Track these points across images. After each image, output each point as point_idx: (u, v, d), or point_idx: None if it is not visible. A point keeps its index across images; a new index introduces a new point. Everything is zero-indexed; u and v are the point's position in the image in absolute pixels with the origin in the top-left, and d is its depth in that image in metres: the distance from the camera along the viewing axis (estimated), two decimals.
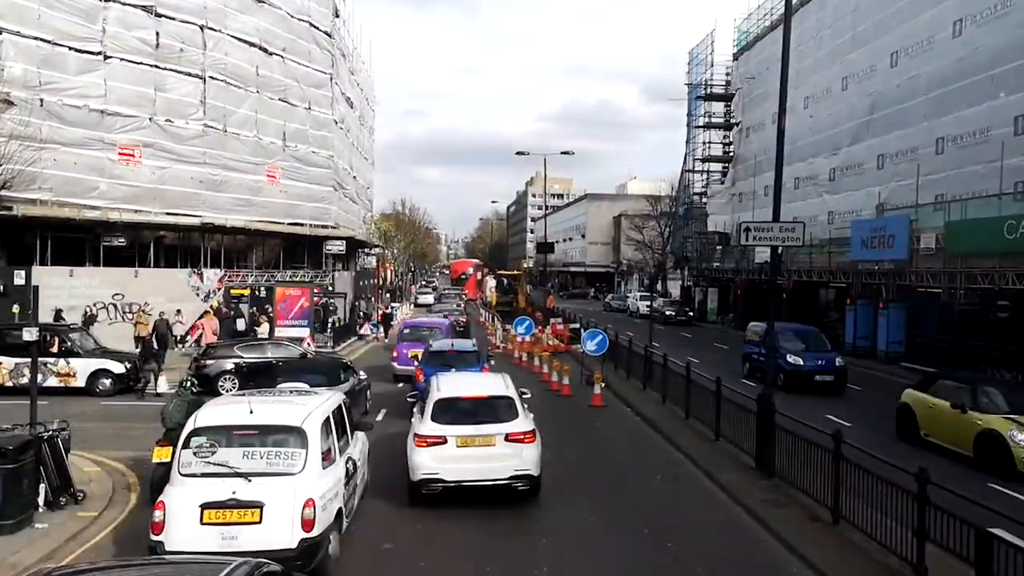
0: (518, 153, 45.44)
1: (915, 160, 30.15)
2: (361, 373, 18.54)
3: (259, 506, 8.01)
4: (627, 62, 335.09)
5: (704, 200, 54.63)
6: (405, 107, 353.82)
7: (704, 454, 14.38)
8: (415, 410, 12.62)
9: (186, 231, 35.31)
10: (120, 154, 31.04)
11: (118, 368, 21.18)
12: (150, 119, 31.83)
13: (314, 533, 8.10)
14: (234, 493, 8.05)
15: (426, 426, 11.02)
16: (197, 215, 33.23)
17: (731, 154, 52.30)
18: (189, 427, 8.78)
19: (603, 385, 20.73)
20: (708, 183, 54.35)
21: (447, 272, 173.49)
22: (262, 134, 37.32)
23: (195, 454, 8.48)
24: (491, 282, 67.53)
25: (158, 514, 8.12)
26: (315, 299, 34.12)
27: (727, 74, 52.40)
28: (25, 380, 20.45)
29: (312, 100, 40.93)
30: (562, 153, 44.70)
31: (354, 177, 51.91)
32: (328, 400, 10.12)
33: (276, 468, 8.39)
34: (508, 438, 10.91)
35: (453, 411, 11.16)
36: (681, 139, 57.39)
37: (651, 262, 76.14)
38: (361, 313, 40.03)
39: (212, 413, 9.17)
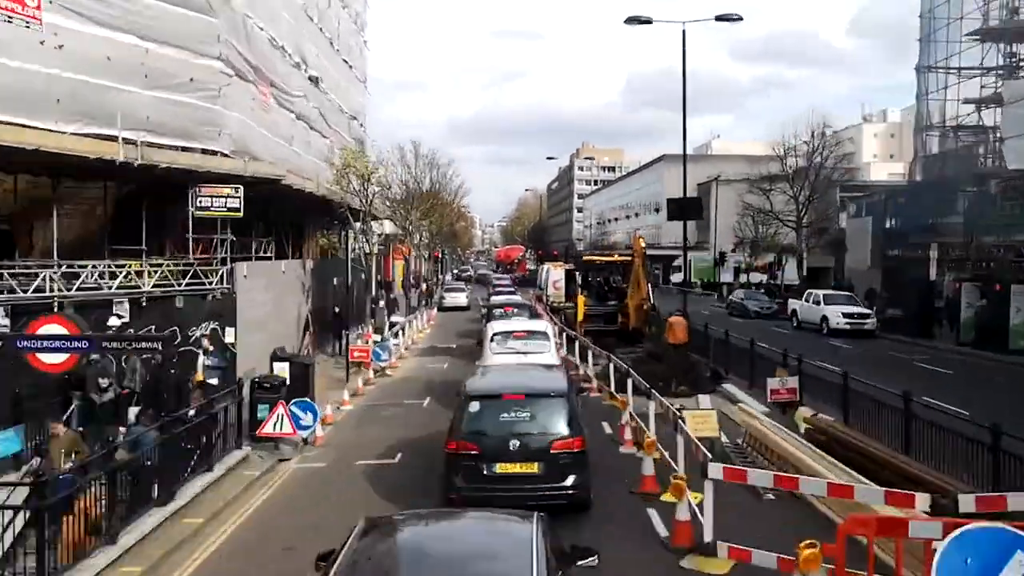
0: (630, 18, 20.41)
1: None
2: None
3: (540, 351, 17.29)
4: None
5: (982, 111, 28.83)
6: (451, 85, 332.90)
7: None
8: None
9: None
10: None
11: None
12: None
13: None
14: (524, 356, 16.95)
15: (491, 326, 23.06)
16: None
17: None
18: (488, 333, 18.47)
19: None
20: (993, 89, 28.50)
21: (480, 261, 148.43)
22: None
23: (496, 344, 17.57)
24: (554, 274, 40.72)
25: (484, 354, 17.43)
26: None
27: None
28: None
29: None
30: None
31: (312, 78, 26.77)
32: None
33: (538, 349, 17.32)
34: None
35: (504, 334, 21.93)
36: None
37: (780, 238, 54.38)
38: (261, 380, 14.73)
39: (500, 325, 19.88)
